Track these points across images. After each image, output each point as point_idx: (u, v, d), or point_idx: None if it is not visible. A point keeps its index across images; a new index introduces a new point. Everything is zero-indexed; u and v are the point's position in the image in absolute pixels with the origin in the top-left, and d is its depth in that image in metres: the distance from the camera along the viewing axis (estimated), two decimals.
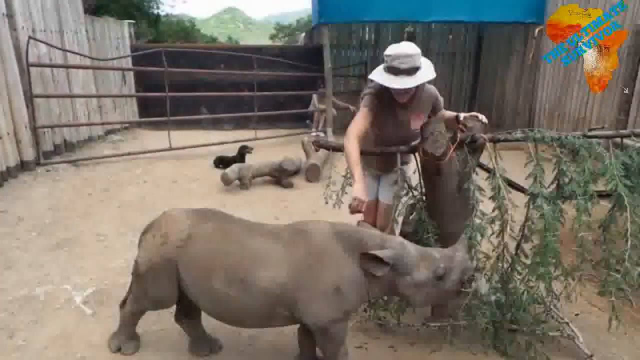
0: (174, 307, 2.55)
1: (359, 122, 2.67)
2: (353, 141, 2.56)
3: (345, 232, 2.26)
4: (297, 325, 2.43)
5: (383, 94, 2.72)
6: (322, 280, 2.15)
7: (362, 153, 2.82)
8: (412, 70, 2.52)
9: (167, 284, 2.33)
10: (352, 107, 9.43)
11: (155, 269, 2.32)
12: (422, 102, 2.80)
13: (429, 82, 2.70)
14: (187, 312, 2.56)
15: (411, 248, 2.23)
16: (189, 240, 2.28)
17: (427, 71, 2.58)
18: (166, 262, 2.29)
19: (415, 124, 2.75)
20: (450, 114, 2.86)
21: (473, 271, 2.25)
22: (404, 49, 2.54)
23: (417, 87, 2.63)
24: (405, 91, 2.61)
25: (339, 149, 2.83)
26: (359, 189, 2.40)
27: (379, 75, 2.63)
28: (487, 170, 2.66)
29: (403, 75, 2.52)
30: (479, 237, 2.48)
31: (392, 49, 2.57)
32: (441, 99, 2.90)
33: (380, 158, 2.95)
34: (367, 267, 2.15)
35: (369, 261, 2.14)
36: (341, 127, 9.79)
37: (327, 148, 2.95)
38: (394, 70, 2.54)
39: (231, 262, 2.19)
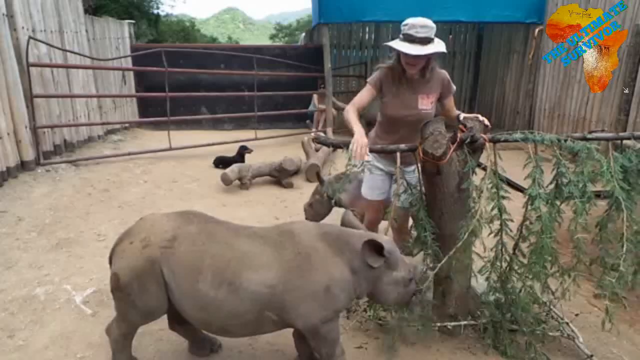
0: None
1: (361, 96, 2.85)
2: (352, 110, 2.74)
3: (332, 233, 2.28)
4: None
5: (394, 71, 2.81)
6: (312, 281, 2.13)
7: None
8: (426, 40, 2.59)
9: (156, 290, 2.17)
10: None
11: (140, 275, 2.15)
12: (431, 84, 2.83)
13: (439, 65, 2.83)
14: (180, 319, 2.42)
15: (396, 247, 2.32)
16: (174, 241, 2.17)
17: (439, 45, 2.65)
18: (150, 265, 2.14)
19: (423, 104, 2.83)
20: (456, 111, 2.91)
21: (421, 280, 2.51)
22: (422, 20, 2.63)
23: (427, 65, 2.72)
24: (416, 60, 2.65)
25: (339, 146, 2.83)
26: (359, 133, 2.49)
27: (394, 43, 2.69)
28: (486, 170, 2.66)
29: (416, 43, 2.59)
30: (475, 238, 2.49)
31: (410, 19, 2.66)
32: (453, 86, 2.94)
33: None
34: (367, 257, 2.18)
35: (370, 251, 2.17)
36: (341, 127, 9.86)
37: (327, 145, 2.94)
38: (409, 38, 2.61)
39: (219, 264, 2.12)
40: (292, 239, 2.21)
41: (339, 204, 3.95)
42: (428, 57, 2.69)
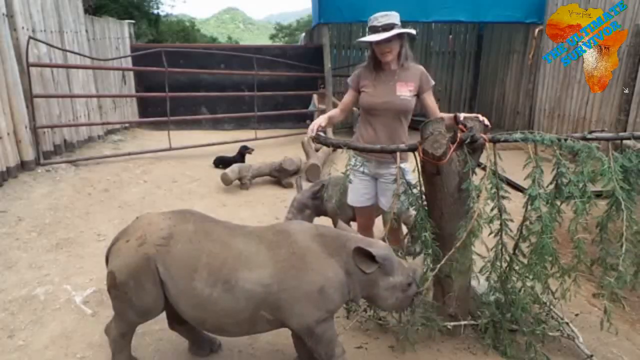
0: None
1: (344, 99, 3.18)
2: (334, 109, 3.13)
3: (328, 235, 2.28)
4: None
5: (371, 64, 3.04)
6: (306, 281, 2.13)
7: (362, 150, 2.84)
8: (388, 27, 2.82)
9: (152, 288, 2.17)
10: (354, 109, 9.44)
11: (136, 273, 2.16)
12: (409, 73, 2.97)
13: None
14: (180, 318, 2.42)
15: (393, 252, 2.32)
16: (170, 239, 2.17)
17: (404, 29, 2.88)
18: (146, 263, 2.14)
19: (402, 91, 2.94)
20: (446, 115, 2.88)
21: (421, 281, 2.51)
22: (383, 12, 2.88)
23: (400, 52, 2.92)
24: (388, 47, 2.86)
25: (339, 146, 2.84)
26: (321, 116, 2.92)
27: (362, 38, 2.94)
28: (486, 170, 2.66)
29: (380, 31, 2.84)
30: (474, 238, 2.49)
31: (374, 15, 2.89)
32: (432, 80, 3.04)
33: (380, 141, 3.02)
34: (359, 263, 2.18)
35: (362, 257, 2.18)
36: (341, 128, 9.86)
37: (327, 145, 2.95)
38: (373, 29, 2.88)
39: (215, 262, 2.13)
40: (287, 239, 2.22)
41: (324, 212, 3.94)
42: (401, 44, 2.90)
